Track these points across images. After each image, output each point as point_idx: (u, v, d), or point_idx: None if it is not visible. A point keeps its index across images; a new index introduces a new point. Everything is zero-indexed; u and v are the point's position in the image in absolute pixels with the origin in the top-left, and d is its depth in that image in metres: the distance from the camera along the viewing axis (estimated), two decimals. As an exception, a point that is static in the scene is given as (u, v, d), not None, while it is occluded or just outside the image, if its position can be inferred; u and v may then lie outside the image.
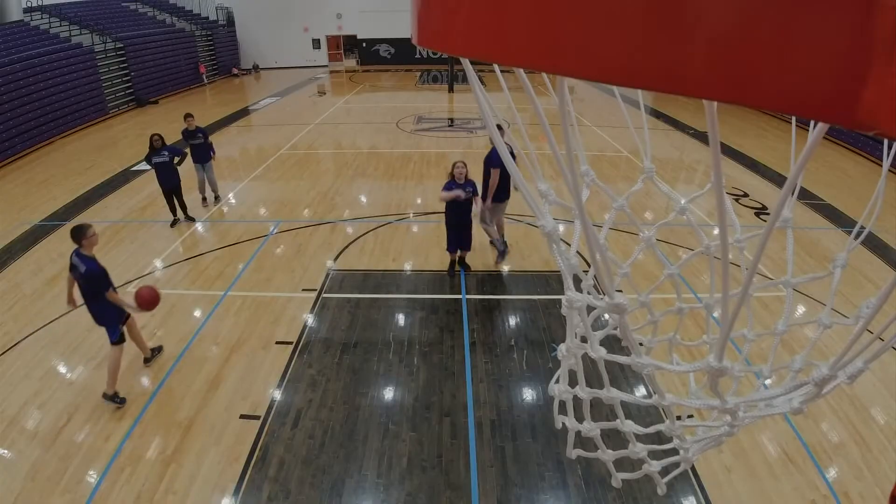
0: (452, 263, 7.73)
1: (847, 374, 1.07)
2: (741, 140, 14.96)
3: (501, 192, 7.53)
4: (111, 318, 5.34)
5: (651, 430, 1.52)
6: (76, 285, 5.35)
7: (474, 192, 6.97)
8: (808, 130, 1.07)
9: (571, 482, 4.43)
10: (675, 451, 1.63)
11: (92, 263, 5.17)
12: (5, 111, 14.10)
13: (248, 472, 4.56)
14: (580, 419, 1.55)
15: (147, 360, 5.88)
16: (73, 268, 5.27)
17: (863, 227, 1.60)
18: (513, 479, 4.49)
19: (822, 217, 9.87)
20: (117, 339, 5.35)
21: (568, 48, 0.50)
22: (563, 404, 1.48)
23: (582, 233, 0.96)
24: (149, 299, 5.29)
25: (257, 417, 5.13)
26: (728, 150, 13.98)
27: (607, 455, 1.63)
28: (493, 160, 7.36)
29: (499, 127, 1.09)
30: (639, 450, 1.51)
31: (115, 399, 5.28)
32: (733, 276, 0.88)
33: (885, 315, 1.18)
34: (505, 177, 7.32)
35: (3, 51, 15.25)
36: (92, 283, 5.17)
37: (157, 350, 6.06)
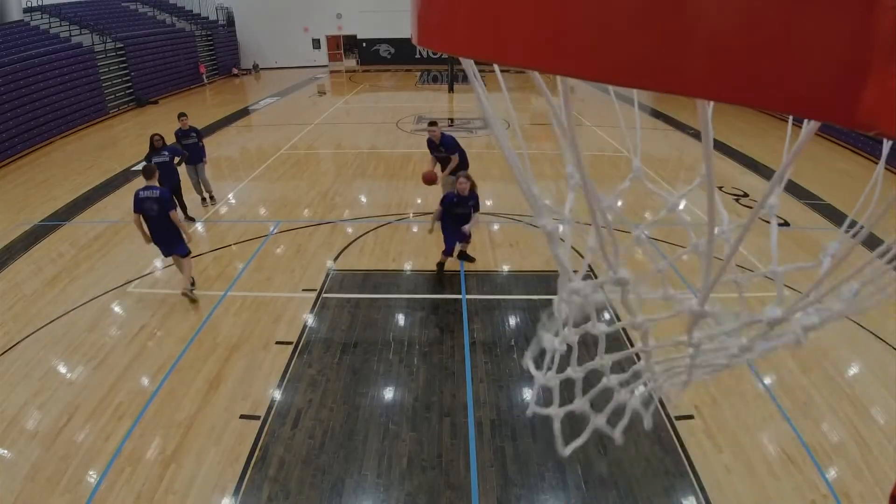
0: (442, 265, 7.61)
1: (801, 324, 1.07)
2: (741, 140, 14.96)
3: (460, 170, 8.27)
4: (180, 235, 6.76)
5: (628, 374, 1.52)
6: (144, 222, 6.63)
7: (475, 207, 6.90)
8: (800, 128, 1.07)
9: (571, 482, 4.43)
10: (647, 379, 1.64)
11: (162, 189, 6.61)
12: (5, 111, 14.10)
13: (248, 472, 4.56)
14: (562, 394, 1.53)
15: (187, 292, 7.01)
16: (143, 201, 6.50)
17: (855, 221, 1.60)
18: (513, 479, 4.49)
19: (822, 217, 9.87)
20: (188, 252, 6.93)
21: (568, 48, 0.50)
22: (546, 391, 1.47)
23: (576, 226, 0.95)
24: (429, 179, 7.63)
25: (257, 417, 5.13)
26: (728, 150, 13.99)
27: (583, 404, 1.59)
28: (449, 147, 8.19)
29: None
30: (612, 382, 1.52)
31: (193, 285, 7.15)
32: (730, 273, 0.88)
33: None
34: (463, 160, 8.26)
35: (3, 51, 15.25)
36: (166, 204, 6.52)
37: (193, 286, 7.20)
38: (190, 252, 6.98)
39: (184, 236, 6.78)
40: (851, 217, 1.61)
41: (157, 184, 6.59)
